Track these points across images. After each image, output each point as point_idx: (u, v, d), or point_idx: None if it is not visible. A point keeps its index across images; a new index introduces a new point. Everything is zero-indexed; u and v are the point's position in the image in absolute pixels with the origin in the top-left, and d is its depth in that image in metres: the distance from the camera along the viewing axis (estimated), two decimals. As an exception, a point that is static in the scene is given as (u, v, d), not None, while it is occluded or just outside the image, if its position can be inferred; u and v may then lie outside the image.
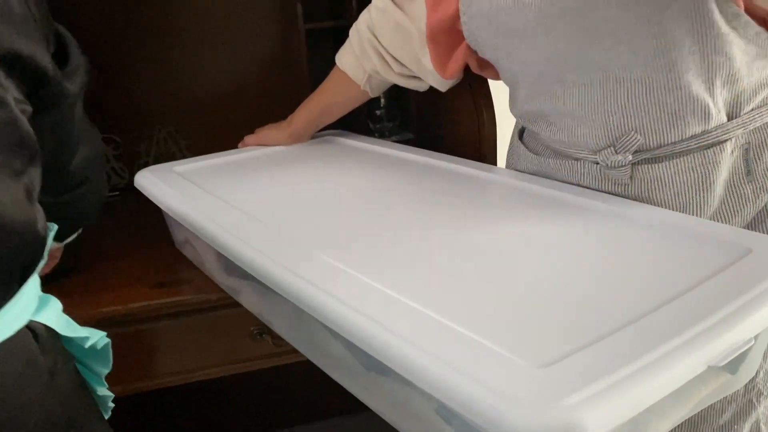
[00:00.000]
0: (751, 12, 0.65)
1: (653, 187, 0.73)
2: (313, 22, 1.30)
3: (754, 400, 0.79)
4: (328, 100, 1.05)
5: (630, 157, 0.72)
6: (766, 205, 0.76)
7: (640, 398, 0.42)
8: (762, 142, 0.73)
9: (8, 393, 0.50)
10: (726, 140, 0.71)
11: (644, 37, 0.66)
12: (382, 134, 1.39)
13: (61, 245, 0.83)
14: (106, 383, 0.65)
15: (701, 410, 0.57)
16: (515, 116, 0.88)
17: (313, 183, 0.90)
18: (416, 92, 1.02)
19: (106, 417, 0.66)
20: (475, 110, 1.07)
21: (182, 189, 0.85)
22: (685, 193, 0.73)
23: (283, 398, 1.47)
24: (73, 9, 1.24)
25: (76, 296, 0.85)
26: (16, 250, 0.53)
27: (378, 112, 1.39)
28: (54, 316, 0.58)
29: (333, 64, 1.02)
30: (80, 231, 0.83)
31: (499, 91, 0.96)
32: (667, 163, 0.72)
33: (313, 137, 1.10)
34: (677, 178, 0.72)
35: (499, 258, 0.63)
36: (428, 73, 0.91)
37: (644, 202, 0.73)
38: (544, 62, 0.73)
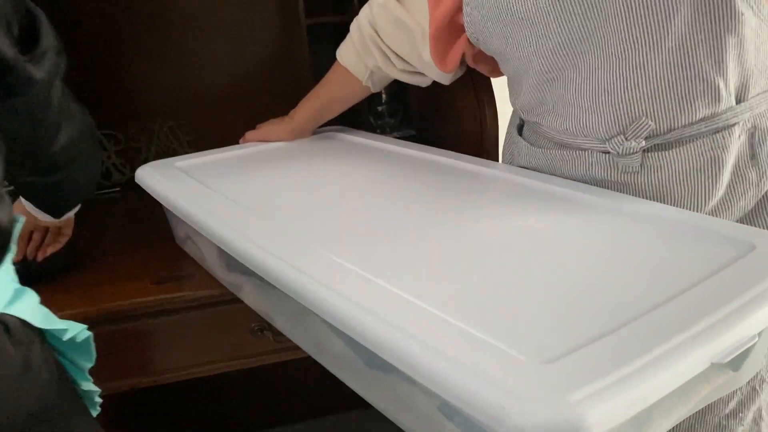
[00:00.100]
0: None
1: (663, 173, 0.73)
2: (314, 17, 1.30)
3: (758, 387, 0.80)
4: (329, 95, 1.04)
5: (643, 143, 0.72)
6: (767, 193, 0.76)
7: (644, 395, 0.42)
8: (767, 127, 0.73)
9: None
10: (734, 124, 0.71)
11: (658, 17, 0.66)
12: (383, 130, 1.39)
13: (71, 217, 0.82)
14: (90, 377, 0.64)
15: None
16: (517, 108, 0.88)
17: (315, 179, 0.90)
18: (418, 88, 1.01)
19: (94, 412, 0.65)
20: (477, 106, 1.06)
21: (183, 184, 0.85)
22: (695, 178, 0.73)
23: (283, 395, 1.47)
24: (74, 4, 1.24)
25: (77, 292, 0.84)
26: None
27: (379, 108, 1.39)
28: (28, 308, 0.57)
29: (334, 59, 1.01)
30: (79, 206, 0.82)
31: (501, 87, 0.96)
32: (677, 149, 0.72)
33: (314, 133, 1.10)
34: (687, 163, 0.72)
35: (501, 254, 0.62)
36: (430, 68, 0.91)
37: (653, 189, 0.73)
38: (558, 47, 0.73)
